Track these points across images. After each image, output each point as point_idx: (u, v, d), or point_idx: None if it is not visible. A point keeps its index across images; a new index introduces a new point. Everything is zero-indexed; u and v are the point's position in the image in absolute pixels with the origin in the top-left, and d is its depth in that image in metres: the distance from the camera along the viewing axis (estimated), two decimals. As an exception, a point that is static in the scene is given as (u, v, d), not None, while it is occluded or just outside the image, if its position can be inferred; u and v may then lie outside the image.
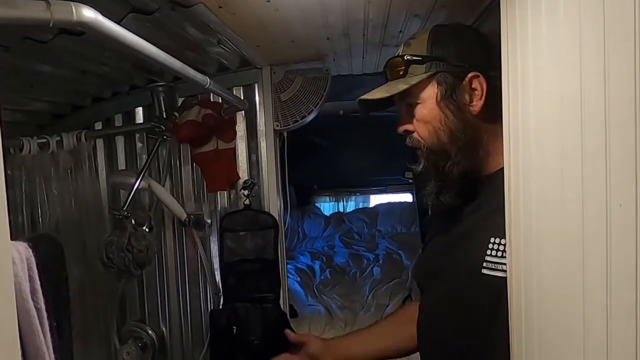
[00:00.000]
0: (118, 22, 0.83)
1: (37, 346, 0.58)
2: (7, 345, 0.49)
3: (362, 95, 1.07)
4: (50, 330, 0.62)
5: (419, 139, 1.02)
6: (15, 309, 0.50)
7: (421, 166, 1.03)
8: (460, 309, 1.00)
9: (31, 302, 0.59)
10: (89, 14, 0.72)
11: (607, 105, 0.51)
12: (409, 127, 1.04)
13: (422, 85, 1.00)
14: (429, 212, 1.33)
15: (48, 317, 0.62)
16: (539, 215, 0.72)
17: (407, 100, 1.03)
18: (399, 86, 1.00)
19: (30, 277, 0.60)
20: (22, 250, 0.60)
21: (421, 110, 1.01)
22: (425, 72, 0.99)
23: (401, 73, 1.01)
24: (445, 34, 1.03)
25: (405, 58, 1.01)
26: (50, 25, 0.67)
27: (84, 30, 0.75)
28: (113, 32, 0.81)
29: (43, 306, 0.61)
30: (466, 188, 1.00)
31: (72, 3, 0.70)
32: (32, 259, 0.61)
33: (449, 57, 0.98)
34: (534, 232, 0.74)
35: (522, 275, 0.79)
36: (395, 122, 1.07)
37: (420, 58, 1.00)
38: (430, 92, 0.99)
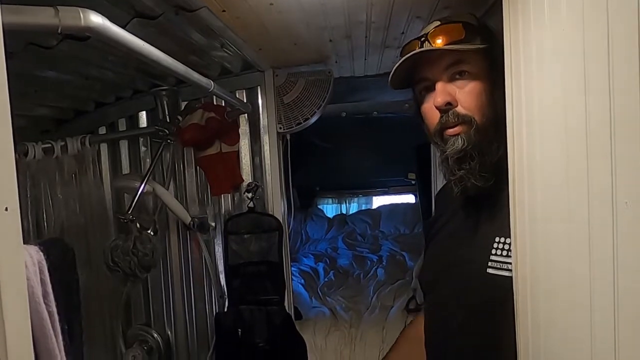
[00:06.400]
0: (123, 27, 0.84)
1: (50, 349, 0.59)
2: (21, 348, 0.50)
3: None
4: (62, 333, 0.63)
5: (465, 112, 0.96)
6: (29, 312, 0.51)
7: (460, 142, 0.95)
8: (466, 309, 1.00)
9: (43, 305, 0.59)
10: (96, 19, 0.72)
11: (612, 102, 0.51)
12: (452, 99, 0.97)
13: (479, 53, 0.96)
14: (433, 212, 1.33)
15: (59, 320, 0.63)
16: (545, 214, 0.72)
17: (459, 68, 0.97)
18: (463, 46, 0.95)
19: (42, 281, 0.61)
20: (33, 254, 0.61)
21: (472, 80, 0.97)
22: (481, 44, 0.97)
23: (462, 36, 0.96)
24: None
25: (465, 22, 0.97)
26: (59, 31, 0.68)
27: (91, 36, 0.75)
28: (119, 37, 0.81)
29: (55, 309, 0.62)
30: (499, 176, 0.93)
31: (79, 9, 0.70)
32: (44, 263, 0.62)
33: (498, 36, 0.92)
34: (539, 232, 0.74)
35: (528, 274, 0.79)
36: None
37: (476, 24, 0.98)
38: (484, 64, 0.97)
